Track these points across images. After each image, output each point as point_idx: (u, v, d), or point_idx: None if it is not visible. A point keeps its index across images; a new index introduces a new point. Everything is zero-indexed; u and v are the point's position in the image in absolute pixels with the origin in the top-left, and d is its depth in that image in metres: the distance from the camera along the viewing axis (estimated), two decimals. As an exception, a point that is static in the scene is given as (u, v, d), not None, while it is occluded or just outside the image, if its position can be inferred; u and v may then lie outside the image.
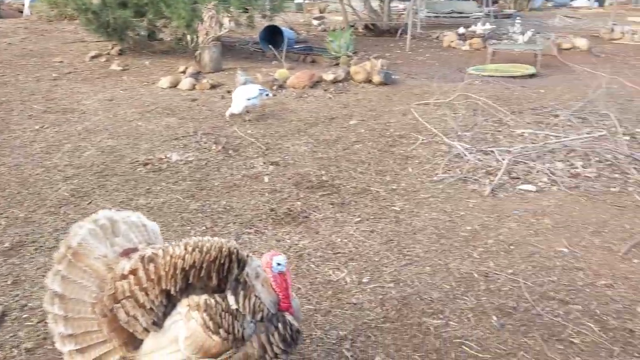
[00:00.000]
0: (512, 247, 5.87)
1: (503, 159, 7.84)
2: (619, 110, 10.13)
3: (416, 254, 5.74)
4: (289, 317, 3.69)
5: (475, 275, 5.40)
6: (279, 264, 3.68)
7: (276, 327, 3.61)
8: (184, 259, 3.54)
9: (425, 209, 6.72)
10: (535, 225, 6.32)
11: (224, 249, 3.66)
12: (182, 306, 3.54)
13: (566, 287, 5.21)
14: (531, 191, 7.15)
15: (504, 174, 7.51)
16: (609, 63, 15.69)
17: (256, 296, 3.64)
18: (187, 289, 3.55)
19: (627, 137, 8.75)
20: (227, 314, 3.49)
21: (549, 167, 7.73)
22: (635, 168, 7.73)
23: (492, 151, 8.29)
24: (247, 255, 3.81)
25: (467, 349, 4.45)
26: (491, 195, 7.04)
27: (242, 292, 3.59)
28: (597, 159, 8.06)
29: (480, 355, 4.39)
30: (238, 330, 3.50)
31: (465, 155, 8.17)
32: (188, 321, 3.49)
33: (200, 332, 3.46)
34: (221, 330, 3.46)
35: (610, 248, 5.84)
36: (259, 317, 3.60)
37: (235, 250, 3.71)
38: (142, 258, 3.56)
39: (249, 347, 3.55)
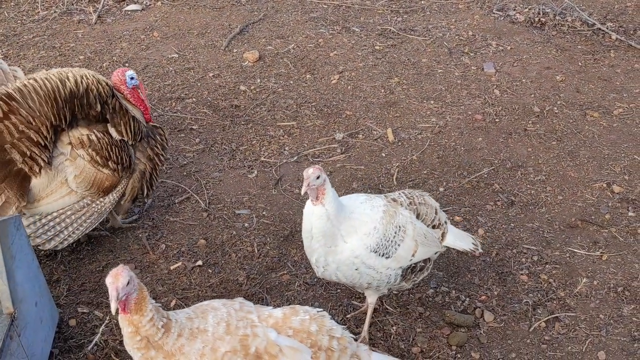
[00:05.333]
0: (127, 64, 6.05)
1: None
2: None
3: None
4: (158, 126, 3.93)
5: (96, 97, 5.50)
6: (132, 78, 3.65)
7: (155, 139, 3.81)
8: (63, 91, 3.36)
9: (32, 50, 6.33)
10: (145, 40, 6.56)
11: (95, 78, 3.51)
12: (64, 145, 3.43)
13: (181, 87, 5.73)
14: (137, 10, 7.25)
15: (107, -1, 7.40)
16: None
17: (133, 118, 3.66)
18: (71, 121, 3.44)
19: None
20: (113, 146, 3.52)
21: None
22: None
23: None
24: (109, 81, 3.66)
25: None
26: (99, 22, 6.94)
27: (121, 122, 3.58)
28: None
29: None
30: (125, 159, 3.59)
31: (65, -12, 7.69)
32: (74, 160, 3.45)
33: (90, 167, 3.47)
34: (110, 163, 3.51)
35: (214, 45, 6.49)
36: (139, 138, 3.70)
37: (102, 79, 3.57)
38: (10, 96, 3.24)
39: (140, 166, 3.73)
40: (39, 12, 7.17)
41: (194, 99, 5.54)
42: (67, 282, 3.67)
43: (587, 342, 3.36)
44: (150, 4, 7.42)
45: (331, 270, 3.02)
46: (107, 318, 3.43)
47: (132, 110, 3.71)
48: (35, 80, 3.35)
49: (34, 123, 3.28)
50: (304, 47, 6.44)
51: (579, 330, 3.43)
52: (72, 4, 7.32)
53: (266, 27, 6.87)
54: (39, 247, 3.52)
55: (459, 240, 3.37)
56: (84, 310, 3.48)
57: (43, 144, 3.33)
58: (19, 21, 6.98)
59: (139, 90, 3.74)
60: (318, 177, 2.82)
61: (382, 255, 3.01)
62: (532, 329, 3.43)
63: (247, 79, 5.87)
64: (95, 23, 6.90)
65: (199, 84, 5.78)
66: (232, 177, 4.62)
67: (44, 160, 3.35)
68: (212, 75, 5.92)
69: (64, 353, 3.22)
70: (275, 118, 5.30)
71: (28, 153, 3.28)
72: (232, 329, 2.39)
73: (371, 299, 3.29)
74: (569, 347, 3.33)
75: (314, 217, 2.89)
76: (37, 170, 3.35)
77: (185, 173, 4.65)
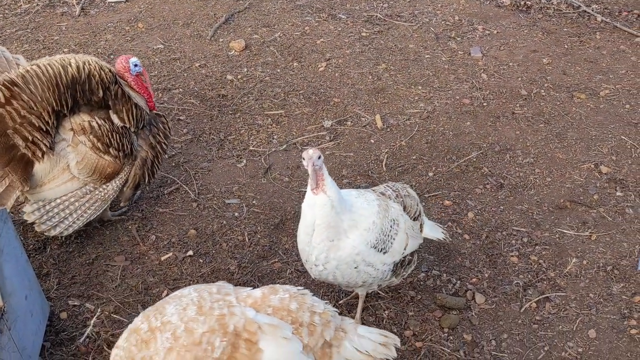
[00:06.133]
0: (112, 56, 5.99)
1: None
2: None
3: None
4: (161, 114, 3.94)
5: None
6: (136, 65, 3.64)
7: (157, 127, 3.84)
8: (65, 77, 3.35)
9: (16, 44, 6.24)
10: (130, 32, 6.49)
11: (97, 64, 3.52)
12: (66, 131, 3.45)
13: (167, 77, 5.68)
14: (121, 1, 7.17)
15: (90, -9, 7.30)
16: None
17: (136, 105, 3.66)
18: (73, 107, 3.45)
19: None
20: (114, 133, 3.52)
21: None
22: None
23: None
24: (113, 68, 3.67)
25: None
26: (83, 14, 6.85)
27: (124, 108, 3.58)
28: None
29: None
30: (126, 146, 3.60)
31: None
32: (76, 146, 3.46)
33: (91, 154, 3.48)
34: (111, 149, 3.51)
35: (200, 35, 6.44)
36: (141, 125, 3.72)
37: (105, 66, 3.57)
38: (12, 82, 3.25)
39: (142, 153, 3.74)
40: (21, 5, 7.07)
41: (180, 90, 5.50)
42: (57, 276, 3.64)
43: (577, 321, 3.39)
44: (133, -5, 7.33)
45: (330, 269, 2.93)
46: (99, 310, 3.41)
47: (135, 97, 3.71)
48: (38, 67, 3.36)
49: (35, 108, 3.30)
50: (290, 35, 6.40)
51: (569, 309, 3.45)
52: (54, -4, 7.23)
53: (252, 16, 6.82)
54: (45, 233, 3.56)
55: (433, 231, 3.41)
56: (75, 303, 3.46)
57: (45, 129, 3.35)
58: (0, 15, 6.87)
59: (143, 78, 3.74)
60: (319, 157, 2.74)
61: (381, 251, 2.97)
62: (523, 309, 3.45)
63: (234, 68, 5.83)
64: (79, 15, 6.82)
65: (185, 75, 5.74)
66: (221, 166, 4.60)
67: (46, 146, 3.37)
68: (199, 65, 5.88)
69: (56, 346, 3.20)
70: (263, 107, 5.27)
71: (30, 138, 3.31)
72: (205, 310, 2.37)
73: (361, 293, 3.29)
74: (560, 327, 3.36)
75: (317, 208, 2.79)
76: (40, 156, 3.38)
77: (173, 164, 4.62)
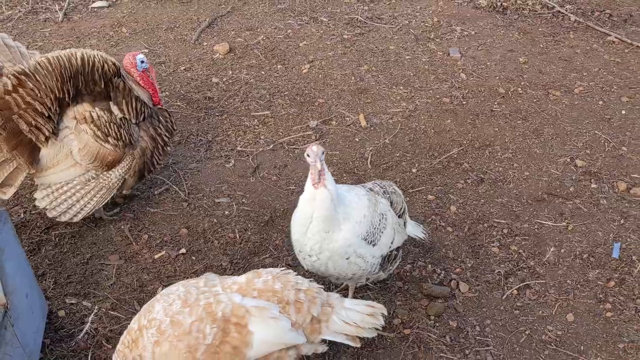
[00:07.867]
0: (97, 61, 6.04)
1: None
2: None
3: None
4: (165, 109, 4.14)
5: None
6: (142, 62, 3.87)
7: (159, 121, 4.03)
8: (69, 68, 3.57)
9: None
10: (114, 37, 6.56)
11: (102, 58, 3.76)
12: (69, 119, 3.66)
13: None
14: (104, 7, 7.23)
15: (73, -3, 7.35)
16: None
17: (137, 98, 3.86)
18: (76, 96, 3.65)
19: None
20: (112, 124, 3.71)
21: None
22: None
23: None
24: (118, 62, 3.88)
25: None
26: (66, 20, 6.90)
27: (124, 101, 3.78)
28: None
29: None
30: (125, 136, 3.78)
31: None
32: (79, 134, 3.66)
33: (93, 142, 3.67)
34: (110, 139, 3.70)
35: (184, 39, 6.53)
36: (141, 118, 3.91)
37: (109, 60, 3.79)
38: (23, 72, 3.47)
39: (142, 143, 3.92)
40: (3, 11, 7.09)
41: (167, 93, 5.59)
42: (53, 276, 3.72)
43: (556, 306, 3.56)
44: (116, 1, 7.40)
45: (323, 259, 3.02)
46: (96, 307, 3.50)
47: (138, 91, 3.92)
48: (47, 58, 3.60)
49: (39, 95, 3.51)
50: (274, 38, 6.53)
51: (548, 295, 3.63)
52: (37, 3, 7.26)
53: (235, 20, 6.93)
54: (55, 219, 3.78)
55: (415, 230, 3.59)
56: (72, 301, 3.53)
57: (47, 115, 3.57)
58: (-16, 21, 6.90)
59: (149, 74, 3.97)
60: (323, 153, 2.83)
61: (370, 243, 3.08)
62: (504, 296, 3.62)
63: (219, 71, 5.93)
64: (62, 21, 6.87)
65: (171, 78, 5.83)
66: (210, 167, 4.70)
67: (48, 131, 3.59)
68: (184, 69, 5.97)
69: (56, 343, 3.28)
70: (249, 108, 5.39)
71: (33, 123, 3.52)
72: (190, 302, 2.52)
73: (351, 285, 3.43)
74: (540, 312, 3.53)
75: (317, 202, 2.87)
76: (43, 140, 3.60)
77: (162, 165, 4.70)
